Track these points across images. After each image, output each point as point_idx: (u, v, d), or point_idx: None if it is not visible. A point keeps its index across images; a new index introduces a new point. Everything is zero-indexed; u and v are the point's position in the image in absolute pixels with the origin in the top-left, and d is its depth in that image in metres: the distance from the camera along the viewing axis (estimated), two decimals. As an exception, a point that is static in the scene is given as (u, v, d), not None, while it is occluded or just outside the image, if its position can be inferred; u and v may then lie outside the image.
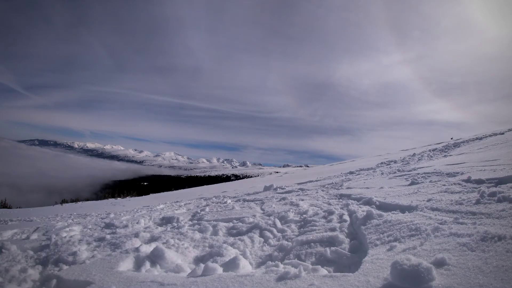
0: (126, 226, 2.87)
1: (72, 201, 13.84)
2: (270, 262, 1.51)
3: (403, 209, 1.93)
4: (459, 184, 2.28)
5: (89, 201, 13.62)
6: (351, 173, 5.85)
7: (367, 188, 3.25)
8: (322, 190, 3.82)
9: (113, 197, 14.70)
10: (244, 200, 3.84)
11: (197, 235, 2.16)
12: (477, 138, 7.42)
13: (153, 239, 2.18)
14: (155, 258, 1.64)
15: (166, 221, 3.00)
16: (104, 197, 15.16)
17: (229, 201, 4.06)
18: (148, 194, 14.36)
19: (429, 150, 7.23)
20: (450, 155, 5.26)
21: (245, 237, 2.02)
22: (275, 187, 5.10)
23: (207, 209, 3.44)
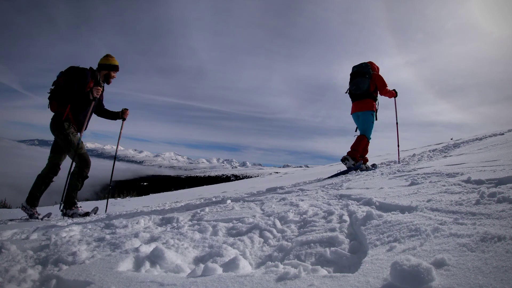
0: (125, 226, 2.87)
1: (72, 201, 13.82)
2: (270, 263, 1.51)
3: (403, 209, 1.92)
4: (459, 184, 2.27)
5: (88, 201, 13.61)
6: (351, 173, 5.85)
7: (367, 188, 3.25)
8: (322, 191, 3.81)
9: (113, 197, 14.70)
10: (244, 201, 3.83)
11: (197, 236, 2.16)
12: (477, 139, 7.42)
13: (152, 239, 2.17)
14: (155, 258, 1.63)
15: (166, 221, 2.99)
16: (104, 197, 15.15)
17: (228, 201, 4.06)
18: (148, 194, 14.37)
19: (429, 151, 7.22)
20: (450, 156, 5.26)
21: (245, 238, 2.01)
22: (275, 187, 5.10)
23: (207, 209, 3.44)
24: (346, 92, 5.65)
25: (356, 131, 5.51)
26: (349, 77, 5.53)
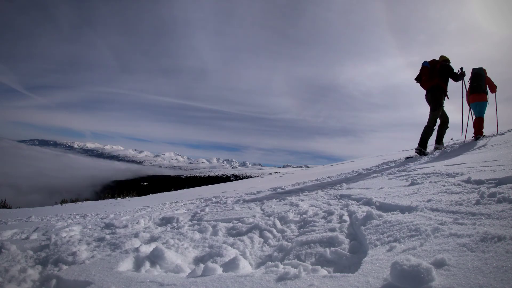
0: (126, 226, 2.87)
1: (72, 201, 13.86)
2: (270, 263, 1.51)
3: (403, 209, 1.93)
4: (459, 184, 2.27)
5: (89, 201, 13.62)
6: (350, 173, 5.85)
7: (367, 188, 3.25)
8: (322, 191, 3.82)
9: (113, 197, 14.71)
10: (244, 201, 3.84)
11: (197, 236, 2.16)
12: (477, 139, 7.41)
13: (153, 239, 2.18)
14: (155, 258, 1.64)
15: (166, 221, 3.00)
16: (104, 197, 15.17)
17: (228, 201, 4.06)
18: (148, 194, 14.37)
19: (429, 151, 7.21)
20: (450, 156, 5.25)
21: (245, 238, 2.02)
22: (275, 187, 5.11)
23: (207, 209, 3.44)
24: (468, 88, 7.49)
25: (472, 114, 7.37)
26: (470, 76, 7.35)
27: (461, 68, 6.92)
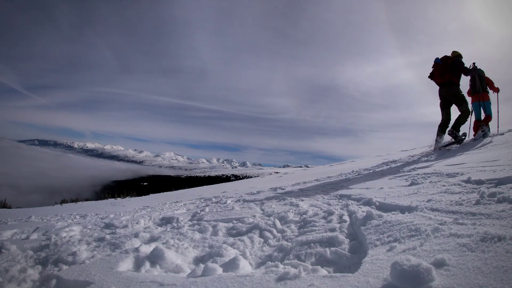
0: (126, 226, 2.87)
1: (72, 201, 13.86)
2: (270, 263, 1.51)
3: (403, 209, 1.93)
4: (459, 184, 2.27)
5: (89, 201, 13.63)
6: (351, 173, 5.85)
7: (367, 188, 3.25)
8: (322, 191, 3.82)
9: (113, 197, 14.71)
10: (244, 201, 3.84)
11: (197, 236, 2.17)
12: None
13: (153, 239, 2.18)
14: (155, 258, 1.64)
15: (166, 221, 3.00)
16: (104, 197, 15.18)
17: (228, 201, 4.06)
18: (148, 194, 14.37)
19: (429, 151, 7.21)
20: (450, 156, 5.25)
21: (245, 238, 2.02)
22: (275, 187, 5.11)
23: (207, 209, 3.44)
24: (473, 87, 7.69)
25: (471, 114, 7.36)
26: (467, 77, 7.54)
27: (473, 63, 7.11)
